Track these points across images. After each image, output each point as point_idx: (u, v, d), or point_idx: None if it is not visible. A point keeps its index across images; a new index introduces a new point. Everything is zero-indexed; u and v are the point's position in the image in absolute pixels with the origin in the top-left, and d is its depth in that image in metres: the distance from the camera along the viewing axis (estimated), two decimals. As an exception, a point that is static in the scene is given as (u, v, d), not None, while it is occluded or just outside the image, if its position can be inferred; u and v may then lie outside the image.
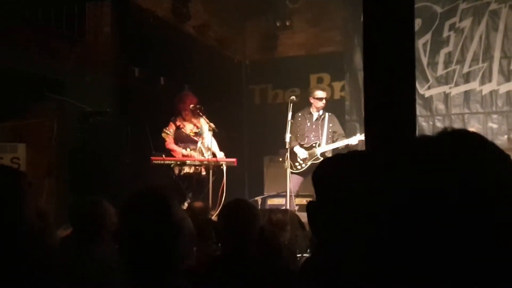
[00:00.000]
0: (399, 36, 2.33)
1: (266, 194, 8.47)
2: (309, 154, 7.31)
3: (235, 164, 6.85)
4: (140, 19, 7.12)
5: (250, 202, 3.11)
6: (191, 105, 6.85)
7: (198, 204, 5.01)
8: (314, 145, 7.35)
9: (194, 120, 6.93)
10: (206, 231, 3.65)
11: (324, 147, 7.25)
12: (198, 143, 6.88)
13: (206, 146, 6.85)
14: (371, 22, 2.39)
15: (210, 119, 6.94)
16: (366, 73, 2.42)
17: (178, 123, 6.89)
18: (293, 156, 7.28)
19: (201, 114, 6.87)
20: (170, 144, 6.86)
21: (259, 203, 8.47)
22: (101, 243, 3.19)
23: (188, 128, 6.94)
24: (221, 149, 7.02)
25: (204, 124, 6.91)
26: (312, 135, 7.40)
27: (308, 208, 1.68)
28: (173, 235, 1.99)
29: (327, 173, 1.61)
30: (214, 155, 6.84)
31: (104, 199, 3.28)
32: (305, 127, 7.39)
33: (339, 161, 1.62)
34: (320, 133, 7.37)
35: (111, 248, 2.97)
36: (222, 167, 6.68)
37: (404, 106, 2.34)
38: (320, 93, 7.46)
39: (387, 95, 2.34)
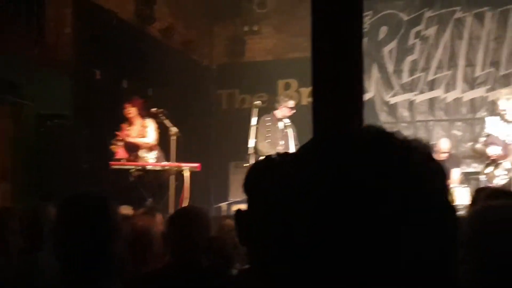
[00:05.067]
0: (347, 41, 2.29)
1: (231, 200, 8.40)
2: None
3: (198, 169, 6.76)
4: (102, 20, 6.99)
5: (201, 210, 3.03)
6: (135, 108, 6.76)
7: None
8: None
9: (141, 121, 6.83)
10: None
11: None
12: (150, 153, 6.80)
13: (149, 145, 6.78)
14: (319, 27, 2.35)
15: (175, 123, 6.85)
16: (314, 79, 2.37)
17: (123, 133, 6.77)
18: None
19: (163, 117, 6.77)
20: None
21: (224, 209, 8.39)
22: (46, 250, 3.09)
23: (134, 132, 6.82)
24: (185, 154, 6.92)
25: (150, 124, 6.81)
26: (282, 143, 7.35)
27: (237, 217, 1.61)
28: (108, 239, 1.95)
29: (256, 179, 1.54)
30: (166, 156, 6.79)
31: (51, 204, 3.17)
32: (276, 134, 7.35)
33: (268, 165, 1.55)
34: (287, 141, 7.33)
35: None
36: (183, 172, 6.59)
37: (352, 112, 2.30)
38: (293, 103, 7.46)
39: (335, 102, 2.30)
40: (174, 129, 6.71)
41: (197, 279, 2.69)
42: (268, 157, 1.52)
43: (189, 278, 2.66)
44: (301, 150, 0.73)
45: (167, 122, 6.81)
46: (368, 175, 0.63)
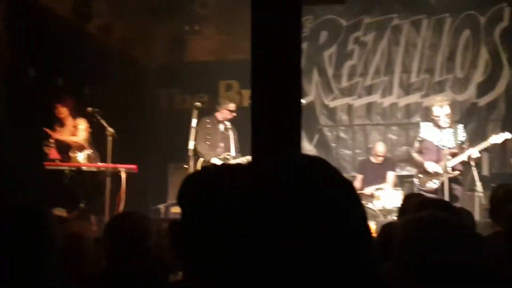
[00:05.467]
0: (286, 44, 2.29)
1: (169, 202, 8.29)
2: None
3: (136, 170, 6.64)
4: (37, 16, 6.74)
5: (140, 215, 2.96)
6: (66, 108, 6.61)
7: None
8: (227, 156, 7.26)
9: (72, 122, 6.68)
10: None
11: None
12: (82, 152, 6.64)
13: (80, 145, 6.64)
14: (258, 29, 2.33)
15: (112, 123, 6.69)
16: (253, 81, 2.36)
17: (55, 133, 6.60)
18: None
19: (99, 117, 6.61)
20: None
21: (162, 211, 8.28)
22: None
23: (66, 132, 6.66)
24: (122, 155, 6.79)
25: (81, 123, 6.66)
26: (222, 145, 7.32)
27: (172, 229, 1.57)
28: (44, 253, 1.92)
29: (191, 192, 1.51)
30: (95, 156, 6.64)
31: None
32: (217, 136, 7.30)
33: (204, 178, 1.52)
34: (229, 144, 7.31)
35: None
36: (120, 174, 6.45)
37: (290, 117, 2.30)
38: (233, 106, 7.44)
39: (273, 105, 2.29)
40: (110, 130, 6.56)
41: (133, 286, 2.63)
42: (203, 169, 1.50)
43: (124, 285, 2.60)
44: (241, 168, 0.80)
45: (103, 122, 6.65)
46: (300, 194, 0.68)
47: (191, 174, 1.62)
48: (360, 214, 0.74)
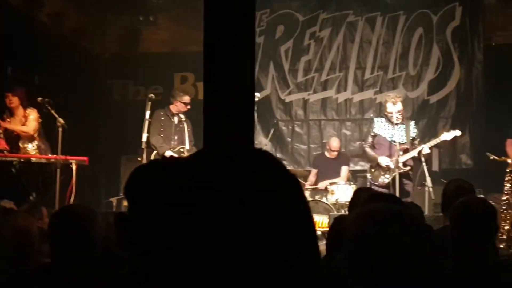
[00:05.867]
0: (240, 37, 2.26)
1: (122, 195, 8.15)
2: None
3: (87, 163, 6.50)
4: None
5: (85, 208, 2.89)
6: (16, 98, 6.43)
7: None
8: (181, 149, 7.17)
9: (23, 112, 6.50)
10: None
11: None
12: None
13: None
14: (211, 21, 2.29)
15: (63, 114, 6.52)
16: (205, 74, 2.32)
17: (4, 123, 6.41)
18: None
19: (50, 107, 6.43)
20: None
21: (114, 204, 8.14)
22: None
23: (16, 122, 6.48)
24: (73, 146, 6.62)
25: (31, 113, 6.49)
26: (176, 138, 7.22)
27: (119, 221, 1.53)
28: None
29: (139, 184, 1.47)
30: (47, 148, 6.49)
31: None
32: (171, 129, 7.20)
33: (153, 171, 1.48)
34: (183, 137, 7.21)
35: None
36: (71, 165, 6.30)
37: (242, 110, 2.27)
38: (188, 99, 7.33)
39: (226, 98, 2.26)
40: (60, 120, 6.39)
41: (79, 281, 2.58)
42: (152, 162, 1.46)
43: (69, 279, 2.55)
44: (188, 160, 0.79)
45: (54, 113, 6.47)
46: (244, 185, 0.71)
47: (139, 166, 1.57)
48: (302, 205, 0.76)
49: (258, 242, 0.69)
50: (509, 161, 6.66)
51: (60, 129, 6.40)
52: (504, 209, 6.25)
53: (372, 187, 6.79)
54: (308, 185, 7.70)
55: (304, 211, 0.76)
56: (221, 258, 0.69)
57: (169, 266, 0.71)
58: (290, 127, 9.15)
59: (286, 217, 0.72)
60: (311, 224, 0.76)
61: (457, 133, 6.95)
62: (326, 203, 7.12)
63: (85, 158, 6.50)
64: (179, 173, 0.75)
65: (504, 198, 6.34)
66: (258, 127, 8.65)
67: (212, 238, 0.69)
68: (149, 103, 6.88)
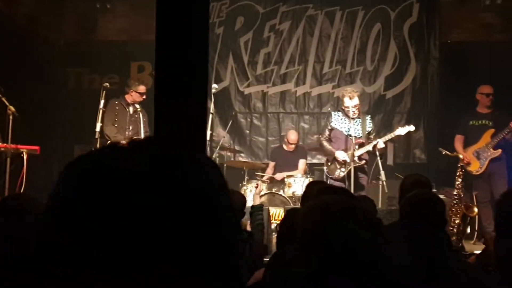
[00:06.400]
0: (193, 27, 2.21)
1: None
2: None
3: (38, 152, 6.32)
4: None
5: (30, 198, 2.82)
6: None
7: None
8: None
9: None
10: None
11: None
12: None
13: None
14: (164, 9, 2.24)
15: (14, 102, 6.31)
16: (157, 64, 2.26)
17: None
18: None
19: (0, 95, 6.22)
20: None
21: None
22: None
23: None
24: (25, 135, 6.43)
25: None
26: (130, 128, 7.10)
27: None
28: None
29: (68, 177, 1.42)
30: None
31: None
32: (126, 119, 7.06)
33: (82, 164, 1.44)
34: (138, 127, 7.09)
35: None
36: (22, 155, 6.12)
37: (195, 102, 2.23)
38: (143, 88, 7.19)
39: (178, 89, 2.21)
40: (11, 108, 6.19)
41: (21, 271, 2.51)
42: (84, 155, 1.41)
43: (14, 269, 2.48)
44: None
45: (4, 100, 6.26)
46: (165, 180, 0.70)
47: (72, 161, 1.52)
48: (222, 192, 0.76)
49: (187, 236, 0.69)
50: (460, 156, 6.82)
51: (10, 117, 6.20)
52: (455, 203, 6.40)
53: (328, 181, 6.85)
54: (265, 178, 7.72)
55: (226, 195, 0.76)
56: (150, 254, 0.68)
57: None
58: (249, 119, 9.13)
59: (216, 214, 0.72)
60: (229, 205, 0.76)
61: (411, 128, 7.06)
62: (283, 196, 7.15)
63: (36, 147, 6.32)
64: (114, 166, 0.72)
65: (455, 192, 6.49)
66: (216, 119, 8.60)
67: (146, 229, 0.68)
68: (104, 92, 6.73)
